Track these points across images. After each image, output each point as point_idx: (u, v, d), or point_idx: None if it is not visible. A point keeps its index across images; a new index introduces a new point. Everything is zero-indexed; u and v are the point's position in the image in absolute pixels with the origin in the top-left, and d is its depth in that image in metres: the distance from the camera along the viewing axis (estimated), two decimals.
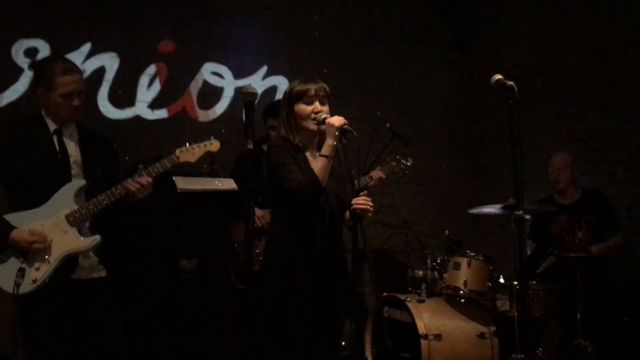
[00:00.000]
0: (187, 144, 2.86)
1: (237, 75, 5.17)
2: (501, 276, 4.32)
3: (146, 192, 2.79)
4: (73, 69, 2.84)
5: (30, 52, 4.49)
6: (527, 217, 2.67)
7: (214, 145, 2.89)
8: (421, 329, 3.92)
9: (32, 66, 2.91)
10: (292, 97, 2.81)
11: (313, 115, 2.78)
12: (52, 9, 4.56)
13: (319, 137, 2.87)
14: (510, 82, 2.67)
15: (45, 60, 2.94)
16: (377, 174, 4.07)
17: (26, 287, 2.63)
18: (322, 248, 2.74)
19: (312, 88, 2.78)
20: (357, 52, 5.63)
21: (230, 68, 5.14)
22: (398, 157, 4.31)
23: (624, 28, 4.83)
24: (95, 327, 2.77)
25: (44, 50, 4.50)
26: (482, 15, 6.08)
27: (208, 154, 2.91)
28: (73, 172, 2.82)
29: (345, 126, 2.64)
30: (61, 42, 4.54)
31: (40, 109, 2.88)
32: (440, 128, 6.02)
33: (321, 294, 2.73)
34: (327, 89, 2.84)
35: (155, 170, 2.81)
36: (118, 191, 2.76)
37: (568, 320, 4.06)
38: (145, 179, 2.77)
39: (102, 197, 2.76)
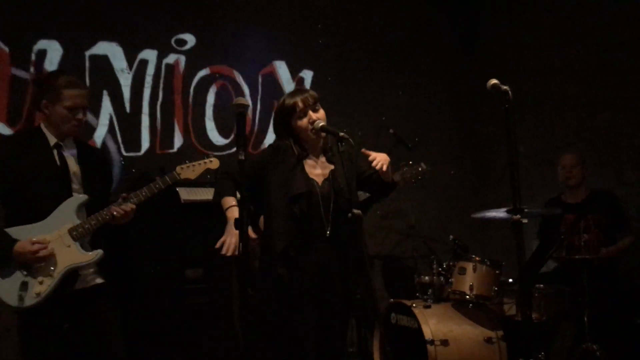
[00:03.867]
0: (187, 162, 2.97)
1: None
2: (510, 280, 4.30)
3: (128, 218, 2.86)
4: (79, 83, 2.90)
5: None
6: (525, 221, 2.66)
7: (213, 163, 3.01)
8: (427, 335, 3.91)
9: (35, 80, 2.96)
10: (285, 112, 2.86)
11: (310, 127, 2.81)
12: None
13: (323, 141, 2.91)
14: (505, 87, 2.66)
15: (52, 73, 2.99)
16: None
17: (29, 300, 2.67)
18: (319, 255, 2.76)
19: (299, 100, 2.83)
20: (361, 59, 5.64)
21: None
22: (411, 162, 4.24)
23: (629, 26, 4.80)
24: (95, 334, 2.80)
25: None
26: (486, 19, 6.08)
27: (208, 170, 3.00)
28: (74, 186, 2.86)
29: (342, 134, 2.66)
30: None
31: (39, 122, 2.92)
32: (446, 133, 6.01)
33: (321, 298, 2.75)
34: (315, 94, 2.88)
35: (144, 194, 2.87)
36: (109, 212, 2.81)
37: (578, 323, 4.03)
38: (130, 206, 2.84)
39: (104, 212, 2.81)
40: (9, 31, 4.24)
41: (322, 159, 2.91)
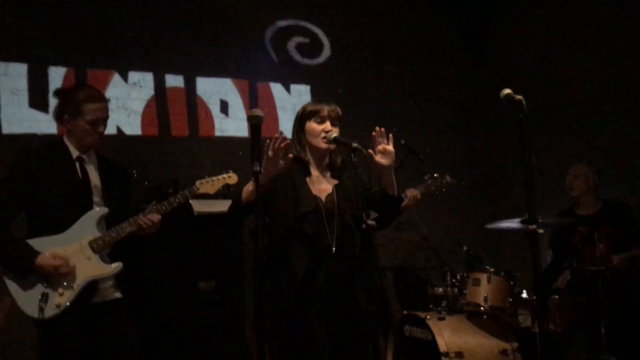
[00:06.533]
0: (207, 177, 3.00)
1: None
2: (524, 291, 4.27)
3: (154, 228, 2.88)
4: (100, 96, 2.93)
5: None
6: (541, 231, 2.63)
7: (232, 178, 3.03)
8: (442, 347, 3.88)
9: (57, 93, 2.99)
10: (304, 115, 2.85)
11: (323, 134, 2.80)
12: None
13: (329, 157, 2.88)
14: (519, 97, 2.64)
15: (72, 87, 3.01)
16: (411, 192, 3.89)
17: (49, 311, 2.69)
18: (326, 272, 2.71)
19: (325, 108, 2.82)
20: (371, 70, 5.66)
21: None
22: (435, 175, 4.16)
23: None
24: (112, 348, 2.82)
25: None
26: (496, 28, 6.08)
27: (226, 186, 3.03)
28: (95, 198, 2.88)
29: (354, 144, 2.65)
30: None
31: (62, 135, 2.96)
32: (457, 143, 6.00)
33: (331, 315, 2.72)
34: (339, 112, 2.87)
35: (164, 208, 2.91)
36: (135, 222, 2.83)
37: (593, 334, 3.99)
38: (156, 217, 2.86)
39: (125, 225, 2.84)
40: None
41: (328, 174, 2.88)
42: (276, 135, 2.55)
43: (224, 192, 4.09)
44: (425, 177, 4.10)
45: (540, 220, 2.72)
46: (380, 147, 2.72)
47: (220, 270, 3.93)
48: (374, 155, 2.71)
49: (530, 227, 2.61)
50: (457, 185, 4.22)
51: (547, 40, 5.56)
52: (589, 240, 4.04)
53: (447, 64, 6.04)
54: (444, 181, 4.08)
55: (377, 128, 2.75)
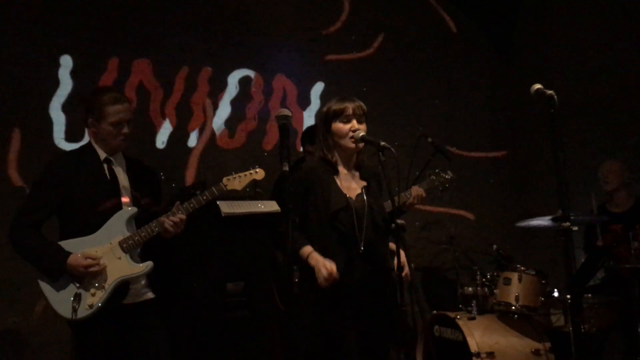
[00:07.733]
0: (234, 173, 2.98)
1: None
2: (555, 290, 4.19)
3: (179, 229, 2.87)
4: (122, 98, 2.94)
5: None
6: (575, 228, 2.58)
7: (259, 173, 3.01)
8: (473, 347, 3.83)
9: (81, 100, 3.02)
10: (330, 115, 2.82)
11: (351, 134, 2.78)
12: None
13: (357, 156, 2.86)
14: (550, 91, 2.59)
15: (95, 91, 3.04)
16: (416, 190, 3.91)
17: (82, 312, 2.71)
18: (357, 272, 2.70)
19: (349, 106, 2.79)
20: (396, 68, 5.62)
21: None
22: (437, 170, 4.19)
23: None
24: (144, 349, 2.83)
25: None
26: (523, 24, 5.99)
27: (253, 182, 3.01)
28: (123, 199, 2.90)
29: (383, 143, 2.63)
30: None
31: (90, 138, 2.99)
32: (485, 141, 5.92)
33: (362, 317, 2.70)
34: (364, 107, 2.84)
35: (192, 206, 2.89)
36: (160, 222, 2.84)
37: (629, 335, 3.89)
38: (179, 217, 2.85)
39: (154, 225, 2.85)
40: None
41: (356, 174, 2.88)
42: (333, 276, 2.62)
43: (251, 193, 4.12)
44: (428, 173, 4.13)
45: (572, 218, 2.66)
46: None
47: (248, 271, 3.92)
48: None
49: (563, 224, 2.56)
50: (457, 180, 4.22)
51: (574, 36, 5.46)
52: (623, 238, 3.95)
53: (474, 62, 5.97)
54: (446, 177, 4.10)
55: None
